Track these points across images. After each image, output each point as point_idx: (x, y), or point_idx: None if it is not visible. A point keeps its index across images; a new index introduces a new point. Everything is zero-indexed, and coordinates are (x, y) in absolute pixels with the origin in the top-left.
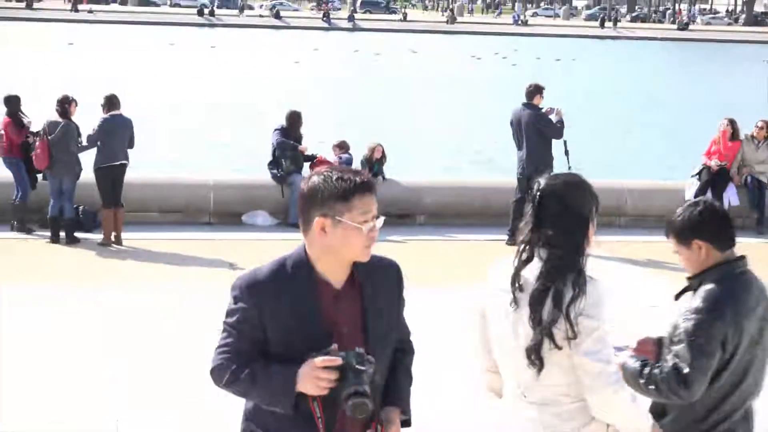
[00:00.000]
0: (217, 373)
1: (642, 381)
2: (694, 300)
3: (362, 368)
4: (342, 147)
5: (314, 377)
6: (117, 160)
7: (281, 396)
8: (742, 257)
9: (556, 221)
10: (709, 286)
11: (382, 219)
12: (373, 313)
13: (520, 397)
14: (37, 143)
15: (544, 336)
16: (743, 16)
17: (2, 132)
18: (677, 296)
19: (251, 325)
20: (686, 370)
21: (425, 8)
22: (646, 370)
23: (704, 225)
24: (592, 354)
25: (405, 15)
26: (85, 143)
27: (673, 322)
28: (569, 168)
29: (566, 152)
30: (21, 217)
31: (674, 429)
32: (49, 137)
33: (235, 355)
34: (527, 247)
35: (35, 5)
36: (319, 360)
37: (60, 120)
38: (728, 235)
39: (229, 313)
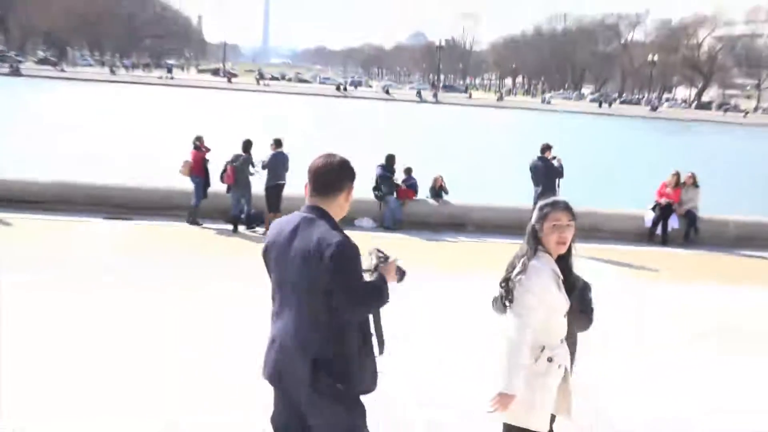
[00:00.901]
0: (365, 306)
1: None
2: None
3: None
4: (408, 171)
5: (395, 272)
6: (280, 180)
7: (387, 292)
8: None
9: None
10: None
11: None
12: None
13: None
14: (228, 168)
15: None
16: (695, 103)
17: (190, 160)
18: None
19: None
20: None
21: (484, 90)
22: None
23: None
24: (514, 307)
25: (470, 94)
26: (260, 169)
27: None
28: (557, 191)
29: (558, 185)
30: (194, 216)
31: None
32: (234, 164)
33: (366, 288)
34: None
35: (233, 80)
36: (393, 261)
37: (242, 154)
38: None
39: (358, 269)
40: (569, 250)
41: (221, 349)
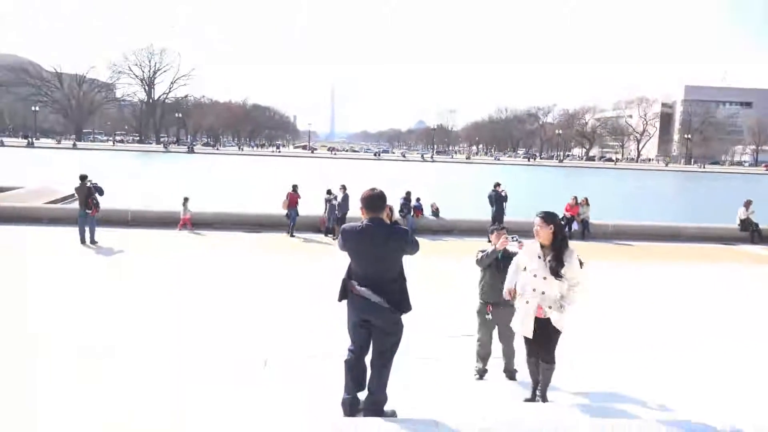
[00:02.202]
0: (418, 248)
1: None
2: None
3: None
4: (418, 199)
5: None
6: (348, 210)
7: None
8: None
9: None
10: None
11: None
12: None
13: None
14: (327, 205)
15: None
16: (585, 157)
17: (287, 199)
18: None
19: None
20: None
21: (460, 153)
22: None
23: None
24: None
25: (452, 156)
26: (336, 203)
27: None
28: (504, 211)
29: (504, 207)
30: (291, 231)
31: None
32: (329, 202)
33: (416, 240)
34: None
35: (314, 152)
36: None
37: (328, 195)
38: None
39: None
40: (557, 238)
41: (305, 289)
